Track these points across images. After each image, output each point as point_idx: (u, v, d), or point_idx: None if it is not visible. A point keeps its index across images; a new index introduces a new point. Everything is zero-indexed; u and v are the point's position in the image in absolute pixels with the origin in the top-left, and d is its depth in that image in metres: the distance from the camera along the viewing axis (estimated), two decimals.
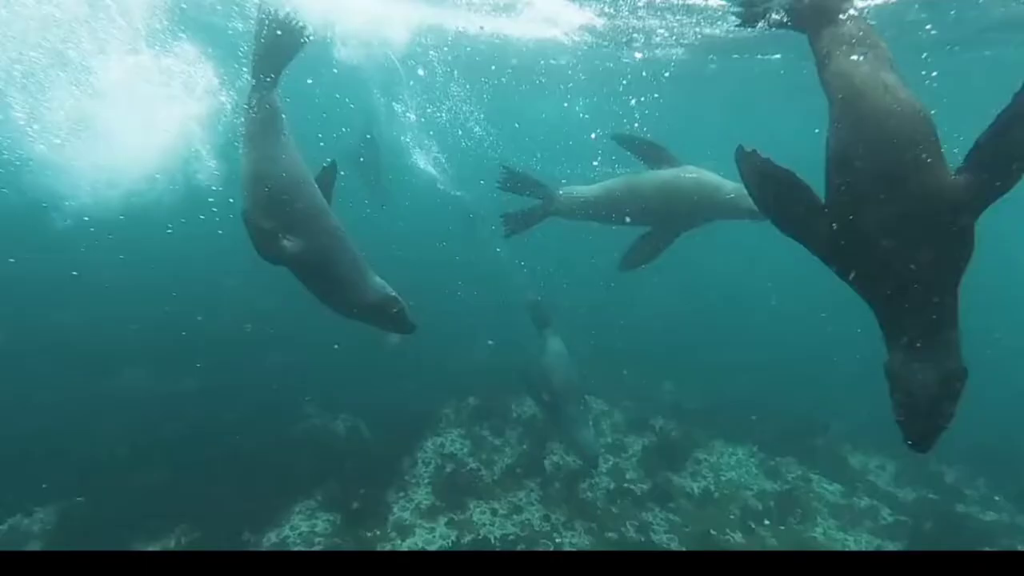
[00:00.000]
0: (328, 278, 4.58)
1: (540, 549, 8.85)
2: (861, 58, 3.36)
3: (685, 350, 17.92)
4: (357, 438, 11.66)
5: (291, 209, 4.48)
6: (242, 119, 4.94)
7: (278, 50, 5.00)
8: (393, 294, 4.60)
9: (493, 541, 8.89)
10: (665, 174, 6.18)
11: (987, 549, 9.58)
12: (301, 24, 5.01)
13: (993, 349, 16.19)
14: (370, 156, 15.18)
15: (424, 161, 14.82)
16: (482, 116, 15.72)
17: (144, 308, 14.80)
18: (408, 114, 14.67)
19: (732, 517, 10.28)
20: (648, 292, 21.50)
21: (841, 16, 3.65)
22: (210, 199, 9.40)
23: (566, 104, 22.95)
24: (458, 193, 16.12)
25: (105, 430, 10.46)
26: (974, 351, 3.40)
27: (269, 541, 8.70)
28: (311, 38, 5.12)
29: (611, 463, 11.37)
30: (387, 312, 4.57)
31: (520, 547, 8.84)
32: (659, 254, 6.49)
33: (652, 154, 6.27)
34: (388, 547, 8.63)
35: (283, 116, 4.95)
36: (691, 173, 6.03)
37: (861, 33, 3.50)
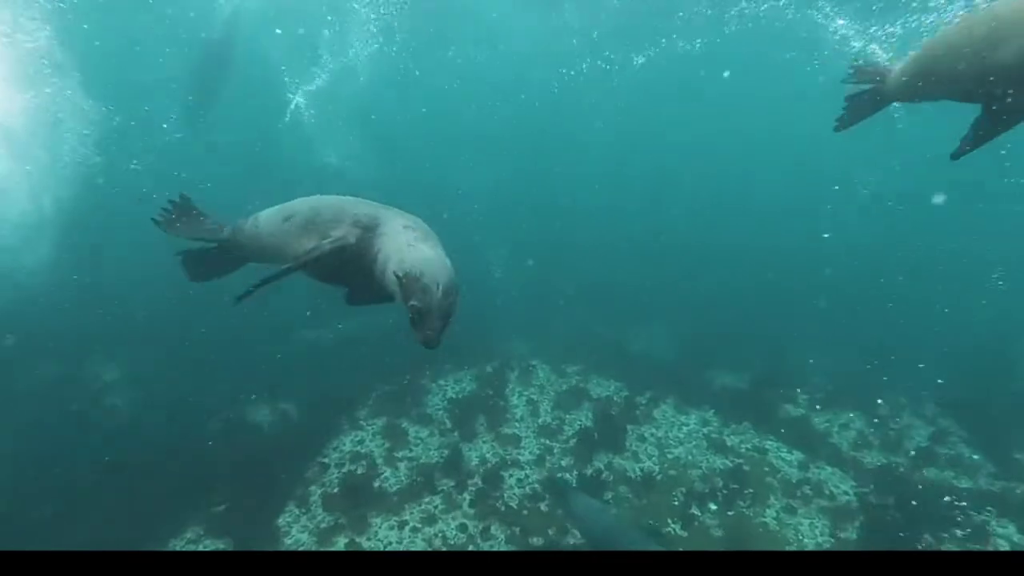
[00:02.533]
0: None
1: None
2: None
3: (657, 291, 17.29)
4: (267, 435, 10.53)
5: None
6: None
7: None
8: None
9: None
10: None
11: (954, 531, 8.58)
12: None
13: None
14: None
15: None
16: None
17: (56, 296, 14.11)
18: None
19: (675, 503, 9.26)
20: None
21: None
22: None
23: None
24: None
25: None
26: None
27: None
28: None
29: (543, 446, 10.27)
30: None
31: None
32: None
33: None
34: None
35: None
36: None
37: None
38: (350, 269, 3.94)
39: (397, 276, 3.46)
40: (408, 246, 3.66)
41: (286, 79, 17.38)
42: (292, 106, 17.15)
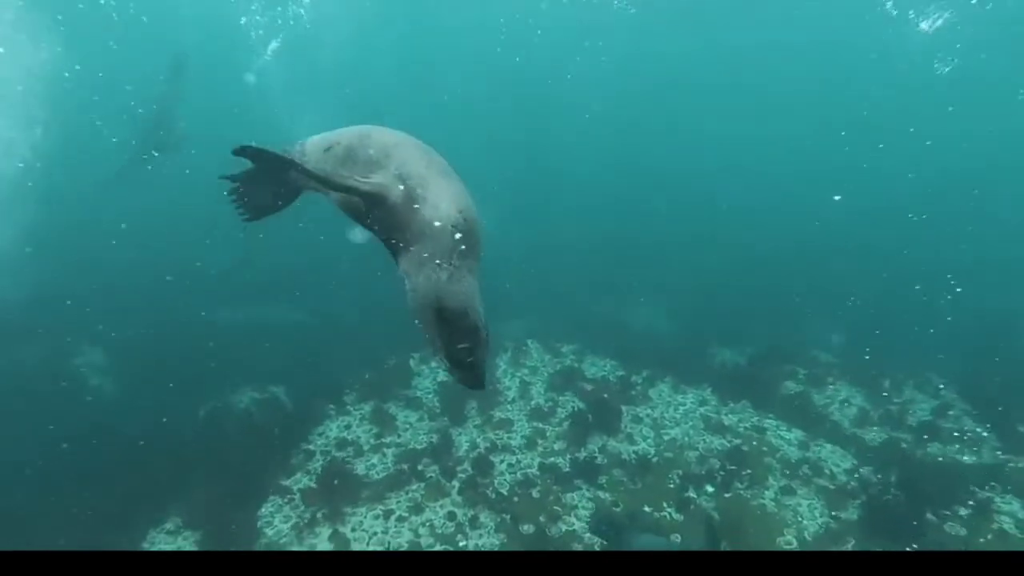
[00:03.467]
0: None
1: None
2: None
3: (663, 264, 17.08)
4: (254, 421, 10.25)
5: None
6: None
7: None
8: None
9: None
10: None
11: (957, 508, 8.32)
12: None
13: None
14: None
15: None
16: None
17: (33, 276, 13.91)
18: None
19: (671, 486, 9.00)
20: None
21: None
22: None
23: None
24: None
25: None
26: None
27: None
28: None
29: (536, 430, 9.99)
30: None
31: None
32: None
33: None
34: None
35: None
36: None
37: None
38: (382, 222, 3.24)
39: (436, 310, 2.87)
40: (452, 268, 2.94)
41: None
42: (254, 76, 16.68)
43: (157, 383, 11.48)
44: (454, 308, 2.85)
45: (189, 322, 13.52)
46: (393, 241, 3.16)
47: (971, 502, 8.43)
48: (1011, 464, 9.36)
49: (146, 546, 7.80)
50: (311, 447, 9.51)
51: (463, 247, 2.98)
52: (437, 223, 2.98)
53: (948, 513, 8.31)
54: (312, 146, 3.85)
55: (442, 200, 3.07)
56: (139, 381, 11.93)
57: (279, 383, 11.47)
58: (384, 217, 3.18)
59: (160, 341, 12.80)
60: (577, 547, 7.81)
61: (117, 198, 15.33)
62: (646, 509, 8.56)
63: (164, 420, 10.29)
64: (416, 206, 3.05)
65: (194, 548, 7.62)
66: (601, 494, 8.79)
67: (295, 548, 7.65)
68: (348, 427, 10.01)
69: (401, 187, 3.12)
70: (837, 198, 20.69)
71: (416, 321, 3.03)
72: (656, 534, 8.05)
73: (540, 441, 9.76)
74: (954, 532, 8.02)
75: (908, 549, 7.68)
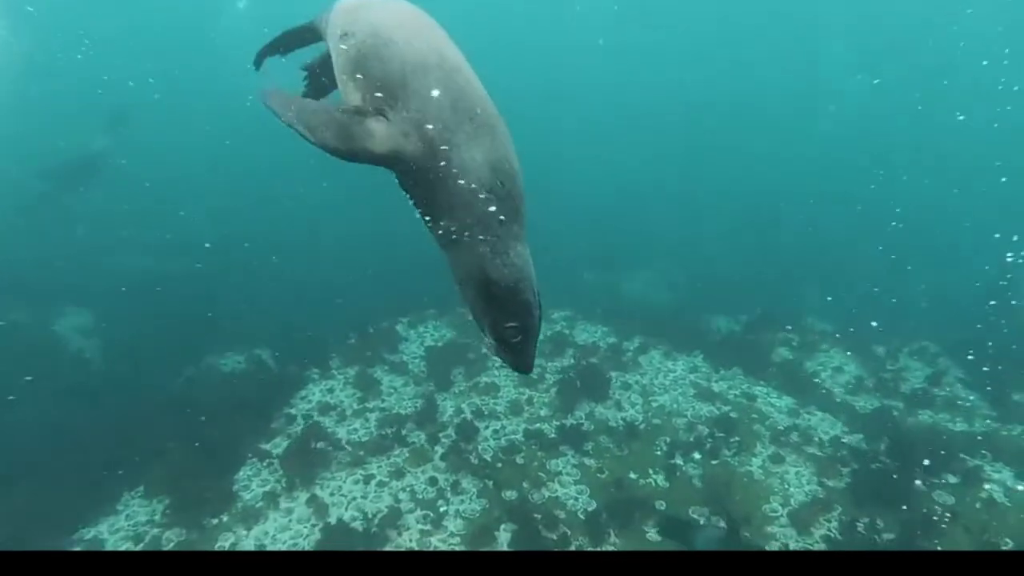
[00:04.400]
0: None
1: (418, 524, 7.48)
2: None
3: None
4: (237, 384, 10.10)
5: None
6: None
7: None
8: None
9: (359, 520, 7.48)
10: None
11: (946, 476, 8.21)
12: None
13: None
14: None
15: None
16: None
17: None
18: None
19: (658, 453, 8.88)
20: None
21: None
22: None
23: None
24: None
25: None
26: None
27: (89, 536, 7.30)
28: None
29: (522, 395, 9.83)
30: None
31: (395, 521, 7.46)
32: None
33: None
34: (231, 538, 7.24)
35: None
36: None
37: None
38: (403, 183, 2.62)
39: (483, 287, 2.44)
40: (495, 239, 2.43)
41: None
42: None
43: (141, 345, 11.40)
44: (504, 285, 2.41)
45: (177, 286, 13.35)
46: (420, 211, 2.58)
47: (961, 470, 8.32)
48: (1003, 432, 9.24)
49: (120, 509, 7.68)
50: (292, 411, 9.36)
51: (502, 217, 2.44)
52: (468, 190, 2.40)
53: (937, 481, 8.20)
54: (336, 19, 2.95)
55: (474, 157, 2.41)
56: (123, 342, 11.86)
57: (264, 346, 11.34)
58: (403, 179, 2.59)
59: (146, 304, 12.68)
60: (559, 513, 7.71)
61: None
62: (632, 476, 8.45)
63: (145, 383, 10.18)
64: (442, 165, 2.42)
65: (168, 512, 7.50)
66: (587, 460, 8.66)
67: (271, 512, 7.54)
68: (331, 391, 9.84)
69: (418, 140, 2.41)
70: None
71: (463, 300, 2.60)
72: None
73: (527, 407, 9.60)
74: (942, 500, 7.91)
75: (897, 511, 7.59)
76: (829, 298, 12.73)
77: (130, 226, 15.18)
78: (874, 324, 11.87)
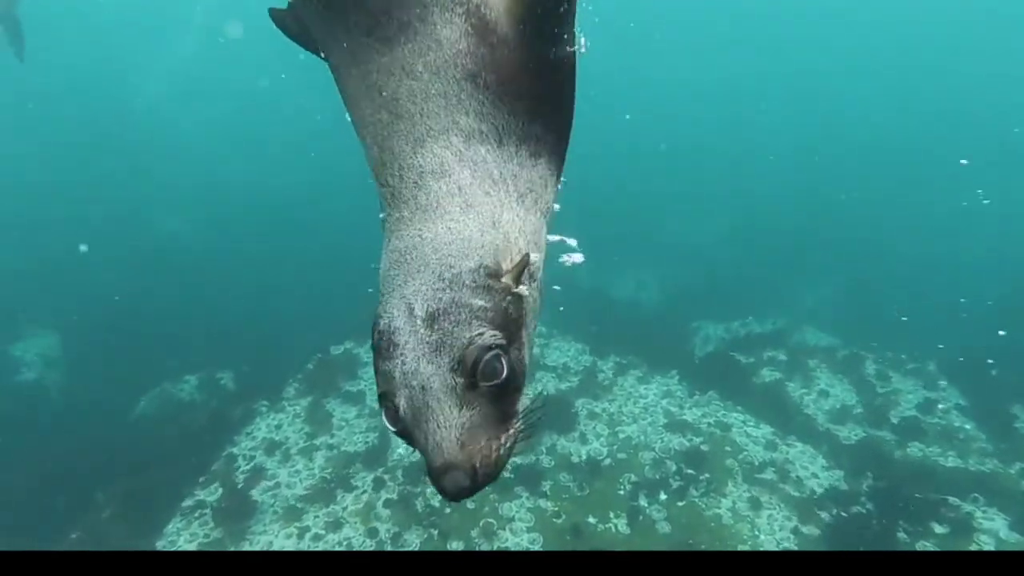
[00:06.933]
0: None
1: None
2: None
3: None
4: (181, 420, 9.71)
5: None
6: None
7: None
8: None
9: None
10: None
11: (932, 525, 7.52)
12: None
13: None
14: None
15: None
16: None
17: None
18: None
19: (621, 492, 8.29)
20: None
21: None
22: None
23: None
24: None
25: None
26: None
27: None
28: None
29: None
30: None
31: None
32: None
33: None
34: None
35: None
36: None
37: None
38: None
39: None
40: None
41: None
42: None
43: (98, 372, 11.10)
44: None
45: (138, 306, 13.10)
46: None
47: (949, 518, 7.62)
48: (998, 471, 8.50)
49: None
50: (235, 450, 8.89)
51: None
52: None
53: (922, 530, 7.52)
54: None
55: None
56: (83, 369, 11.62)
57: (226, 368, 11.05)
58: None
59: (107, 327, 12.46)
60: None
61: None
62: (591, 520, 7.87)
63: (93, 419, 9.85)
64: None
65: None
66: (543, 503, 8.10)
67: None
68: (279, 427, 9.35)
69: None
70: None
71: None
72: None
73: None
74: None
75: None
76: (822, 312, 12.00)
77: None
78: (867, 340, 11.16)
